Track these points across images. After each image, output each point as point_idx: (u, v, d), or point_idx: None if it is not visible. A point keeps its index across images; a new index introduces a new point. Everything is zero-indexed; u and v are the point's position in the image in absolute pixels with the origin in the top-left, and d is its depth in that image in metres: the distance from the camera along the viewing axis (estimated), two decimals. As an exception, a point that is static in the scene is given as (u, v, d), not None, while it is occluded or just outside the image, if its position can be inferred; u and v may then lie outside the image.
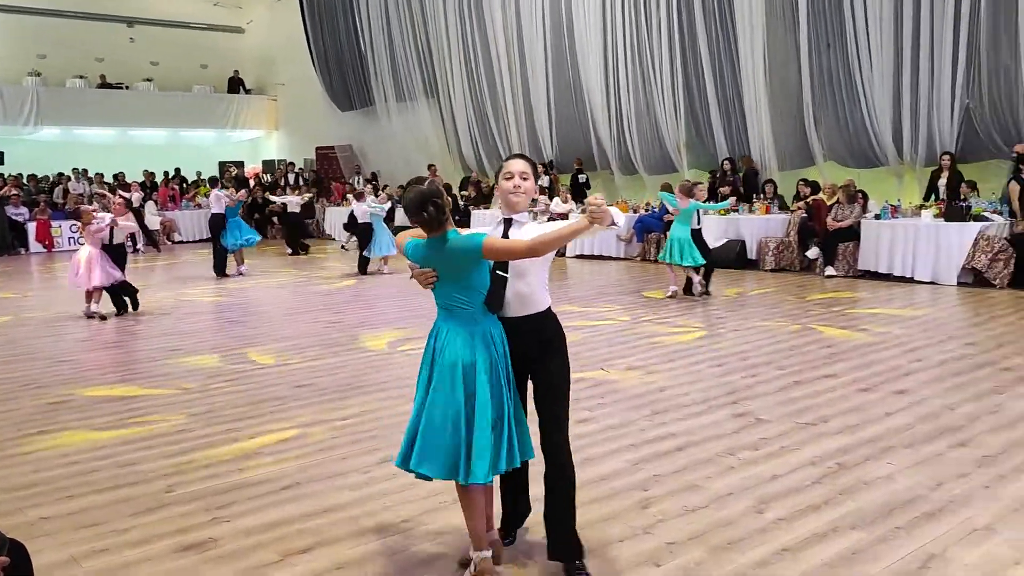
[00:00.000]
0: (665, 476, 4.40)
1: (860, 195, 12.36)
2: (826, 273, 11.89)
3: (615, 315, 9.24)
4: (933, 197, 12.19)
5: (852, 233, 11.83)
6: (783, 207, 13.71)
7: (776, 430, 5.08)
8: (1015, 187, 11.14)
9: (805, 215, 12.77)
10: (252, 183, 20.48)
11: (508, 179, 3.31)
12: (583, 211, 3.14)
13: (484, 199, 18.09)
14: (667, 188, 12.41)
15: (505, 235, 3.28)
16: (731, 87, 15.04)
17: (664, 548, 3.57)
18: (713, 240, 13.18)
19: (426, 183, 3.17)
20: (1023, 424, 5.05)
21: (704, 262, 10.08)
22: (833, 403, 5.62)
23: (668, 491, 4.19)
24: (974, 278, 10.68)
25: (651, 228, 14.33)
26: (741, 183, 14.78)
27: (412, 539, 3.72)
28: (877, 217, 11.88)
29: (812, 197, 12.91)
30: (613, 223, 3.06)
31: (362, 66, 22.42)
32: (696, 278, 10.27)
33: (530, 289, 3.27)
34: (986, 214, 10.99)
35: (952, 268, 10.79)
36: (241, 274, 13.84)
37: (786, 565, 3.39)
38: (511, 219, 3.35)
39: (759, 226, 13.23)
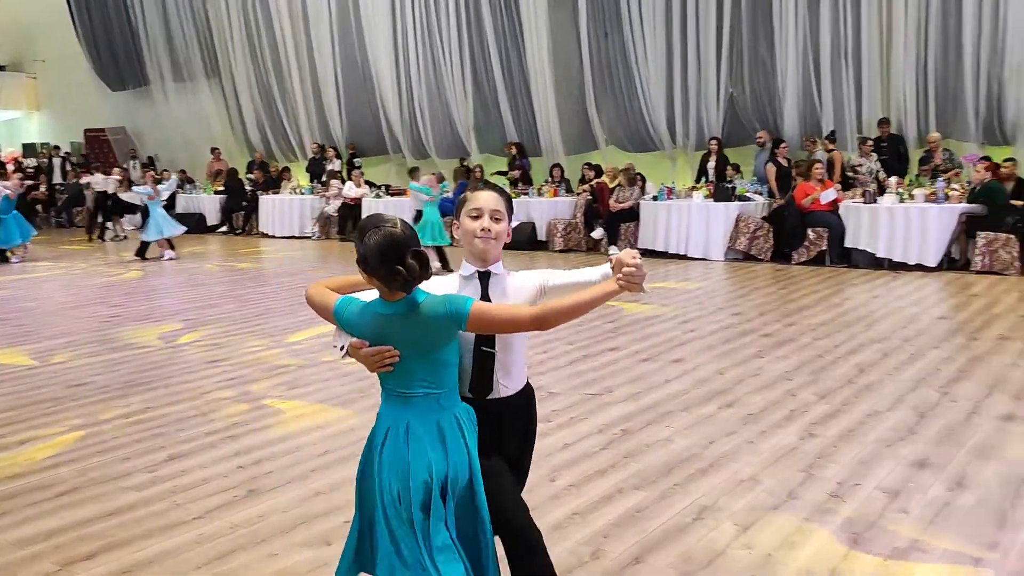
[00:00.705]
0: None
1: (639, 178, 13.12)
2: (610, 252, 12.53)
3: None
4: (703, 179, 13.15)
5: (633, 214, 12.56)
6: (569, 190, 14.27)
7: (566, 402, 5.34)
8: (772, 169, 12.24)
9: (590, 197, 13.37)
10: (11, 168, 18.73)
11: (474, 218, 2.47)
12: (611, 264, 2.39)
13: (273, 183, 17.51)
14: (415, 174, 12.56)
15: (485, 296, 2.48)
16: (518, 72, 15.43)
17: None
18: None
19: (399, 226, 2.27)
20: (780, 384, 5.60)
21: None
22: (617, 374, 5.97)
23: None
24: (744, 254, 11.64)
25: (446, 212, 14.46)
26: (530, 167, 15.23)
27: (204, 536, 3.61)
28: (655, 199, 12.65)
29: (596, 180, 13.54)
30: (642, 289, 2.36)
31: (134, 43, 20.94)
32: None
33: (515, 361, 2.56)
34: (749, 194, 12.01)
35: (720, 245, 11.71)
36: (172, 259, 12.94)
37: (577, 528, 3.59)
38: (488, 273, 2.50)
39: (548, 208, 13.71)
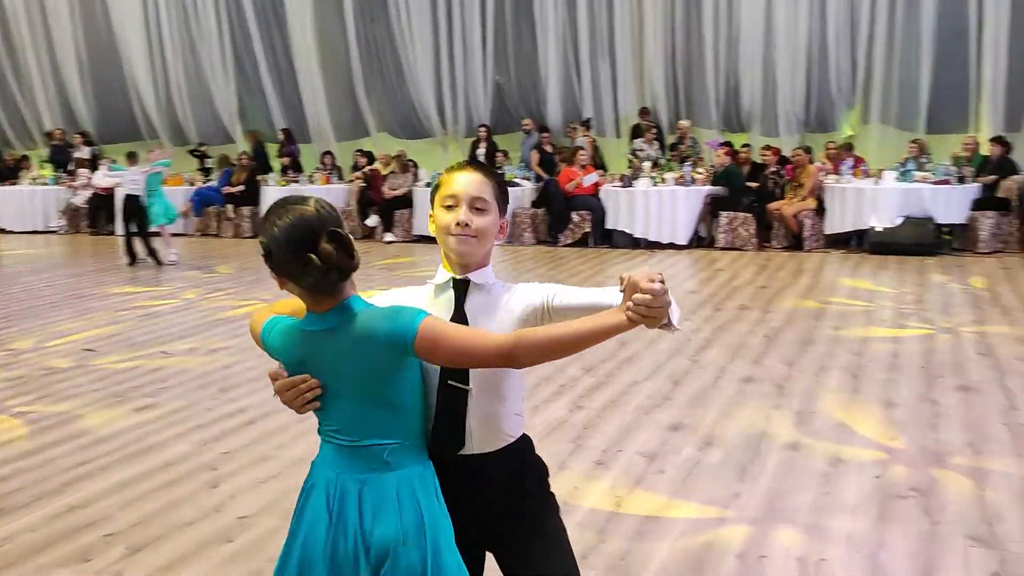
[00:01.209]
0: (236, 451, 4.36)
1: (412, 164, 13.16)
2: (386, 239, 12.50)
3: (180, 293, 8.80)
4: (474, 165, 13.40)
5: (407, 201, 12.58)
6: (341, 177, 14.07)
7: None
8: (535, 155, 12.72)
9: (363, 184, 13.25)
10: None
11: (448, 208, 1.87)
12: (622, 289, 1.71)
13: (10, 174, 15.80)
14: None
15: (459, 312, 1.87)
16: (283, 54, 14.96)
17: (236, 524, 3.56)
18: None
19: (312, 205, 1.75)
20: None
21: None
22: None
23: (239, 466, 4.17)
24: (513, 238, 11.99)
25: (211, 201, 13.82)
26: (299, 153, 14.84)
27: (-59, 566, 3.26)
28: (428, 185, 12.74)
29: (368, 167, 13.44)
30: (669, 323, 1.71)
31: None
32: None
33: (502, 408, 1.89)
34: (517, 180, 12.40)
35: (492, 229, 12.00)
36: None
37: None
38: (465, 282, 1.89)
39: (320, 196, 13.39)
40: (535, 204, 12.07)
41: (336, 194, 13.46)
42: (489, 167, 2.01)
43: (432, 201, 1.93)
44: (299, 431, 4.59)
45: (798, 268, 9.37)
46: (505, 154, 13.24)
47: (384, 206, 12.67)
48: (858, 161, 11.27)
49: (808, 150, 11.10)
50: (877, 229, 10.05)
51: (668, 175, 11.34)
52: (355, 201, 13.22)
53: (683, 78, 13.08)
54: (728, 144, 11.65)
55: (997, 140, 10.56)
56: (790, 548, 3.25)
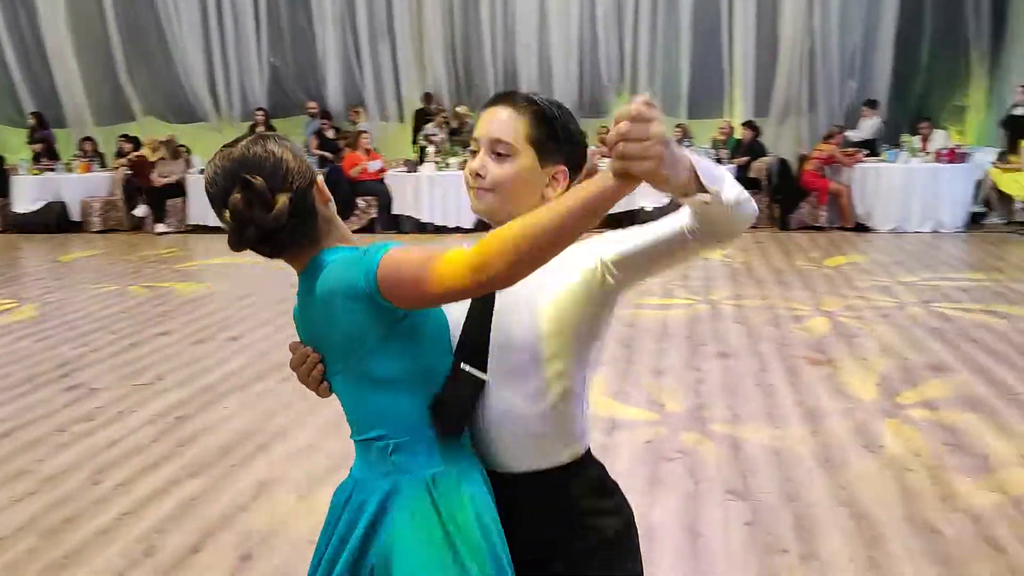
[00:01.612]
0: (-14, 469, 3.98)
1: (183, 150, 12.46)
2: (157, 230, 11.78)
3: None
4: (252, 151, 12.89)
5: (180, 189, 11.91)
6: (104, 165, 13.08)
7: (111, 396, 4.95)
8: (314, 140, 12.42)
9: (129, 172, 12.39)
10: None
11: (473, 154, 1.50)
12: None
13: None
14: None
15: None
16: (29, 33, 13.65)
17: (-11, 547, 3.26)
18: (29, 203, 12.10)
19: (248, 145, 1.44)
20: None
21: None
22: (169, 359, 5.68)
23: (-10, 485, 3.81)
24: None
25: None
26: (54, 139, 13.64)
27: None
28: (202, 172, 12.11)
29: (135, 153, 12.57)
30: (695, 182, 1.23)
31: None
32: None
33: (535, 412, 1.44)
34: (298, 166, 12.07)
35: (274, 217, 11.61)
36: None
37: (128, 528, 3.38)
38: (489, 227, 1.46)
39: (79, 185, 12.42)
40: (318, 190, 11.79)
41: (98, 183, 12.55)
42: (529, 99, 1.46)
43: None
44: (58, 443, 4.26)
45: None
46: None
47: (153, 195, 11.92)
48: (628, 145, 11.89)
49: (583, 134, 11.58)
50: (647, 209, 10.66)
51: (452, 160, 11.44)
52: (120, 190, 12.35)
53: (463, 63, 13.24)
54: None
55: (748, 125, 11.51)
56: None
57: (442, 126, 12.52)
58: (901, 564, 2.99)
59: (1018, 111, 10.13)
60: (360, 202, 11.38)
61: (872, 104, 11.59)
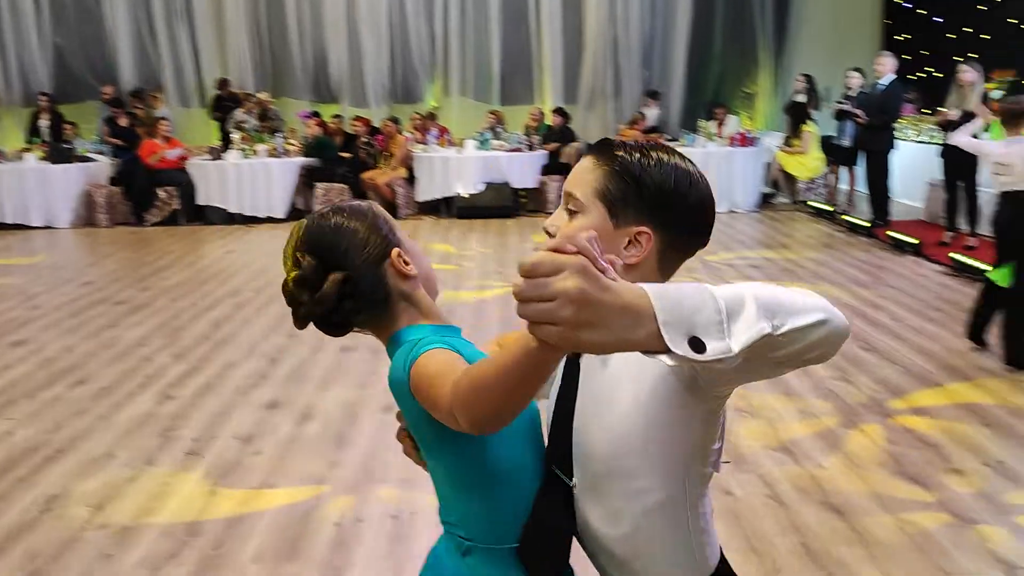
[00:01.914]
0: None
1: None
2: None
3: None
4: (36, 139, 11.91)
5: (-48, 181, 10.81)
6: None
7: None
8: (105, 128, 11.64)
9: None
10: None
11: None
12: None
13: None
14: None
15: (573, 362, 1.28)
16: None
17: None
18: None
19: (315, 217, 1.35)
20: (135, 352, 5.44)
21: None
22: (-59, 369, 5.16)
23: None
24: (90, 219, 10.88)
25: None
26: None
27: None
28: (-21, 162, 11.06)
29: None
30: (662, 338, 0.86)
31: None
32: None
33: (625, 530, 1.22)
34: (91, 155, 11.27)
35: (65, 211, 10.77)
36: None
37: None
38: None
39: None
40: (114, 182, 11.07)
41: None
42: (614, 148, 1.24)
43: None
44: None
45: (393, 235, 9.69)
46: (74, 126, 11.94)
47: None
48: (443, 131, 11.93)
49: (396, 120, 11.49)
50: (463, 195, 10.75)
51: (260, 147, 11.04)
52: None
53: (269, 47, 12.79)
54: (317, 115, 11.64)
55: (558, 111, 11.81)
56: (386, 507, 3.38)
57: (252, 112, 12.06)
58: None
59: (799, 98, 10.95)
60: (160, 193, 10.77)
61: (654, 95, 12.12)
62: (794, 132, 10.85)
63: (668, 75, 12.80)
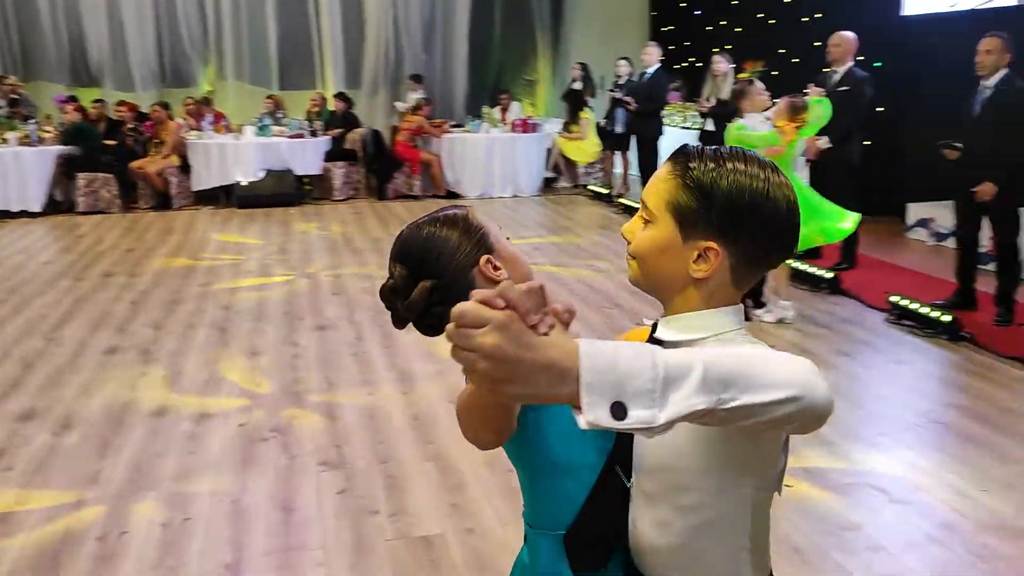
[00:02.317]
0: None
1: None
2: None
3: None
4: None
5: None
6: None
7: None
8: None
9: None
10: None
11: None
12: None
13: None
14: None
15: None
16: None
17: None
18: None
19: (412, 227, 1.38)
20: None
21: None
22: None
23: None
24: None
25: None
26: None
27: None
28: None
29: None
30: (579, 395, 0.84)
31: None
32: None
33: (672, 539, 1.19)
34: None
35: None
36: None
37: None
38: (653, 333, 1.24)
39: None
40: None
41: None
42: (688, 159, 1.18)
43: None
44: None
45: (167, 227, 9.15)
46: None
47: None
48: (218, 117, 11.37)
49: (167, 106, 10.82)
50: (242, 183, 10.31)
51: (10, 135, 10.04)
52: None
53: (17, 26, 11.64)
54: (75, 99, 10.75)
55: (340, 96, 11.58)
56: (154, 516, 3.18)
57: (7, 96, 10.96)
58: (480, 503, 3.24)
59: (576, 86, 11.37)
60: None
61: (417, 79, 12.07)
62: (572, 118, 11.26)
63: (451, 61, 12.89)
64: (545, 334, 0.83)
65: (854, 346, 5.08)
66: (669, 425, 0.85)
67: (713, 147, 1.19)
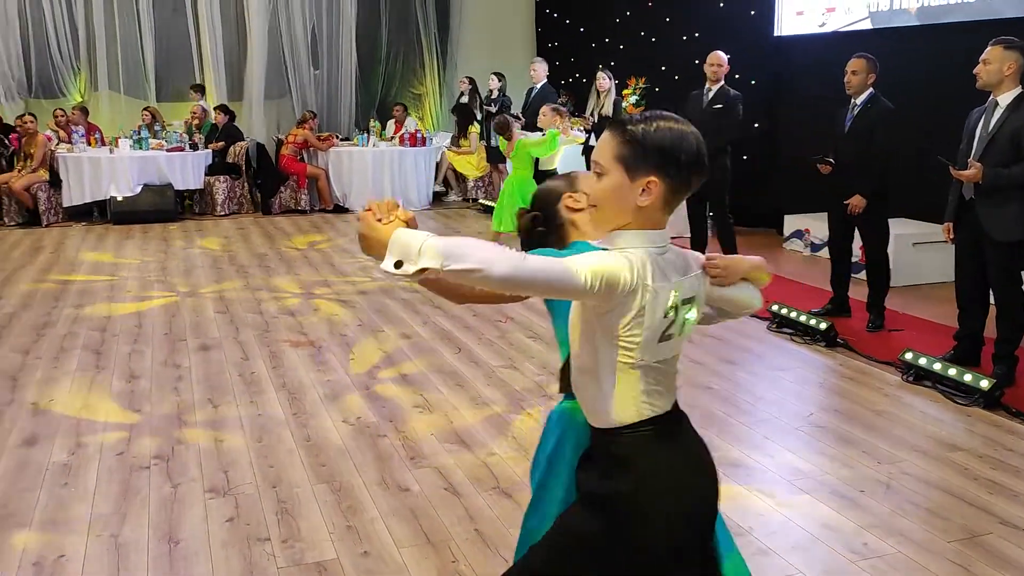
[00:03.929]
0: None
1: None
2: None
3: None
4: None
5: None
6: None
7: None
8: None
9: None
10: None
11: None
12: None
13: None
14: None
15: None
16: None
17: None
18: None
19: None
20: None
21: None
22: None
23: None
24: None
25: None
26: None
27: None
28: None
29: None
30: (385, 257, 1.54)
31: None
32: None
33: (587, 384, 1.73)
34: None
35: None
36: None
37: None
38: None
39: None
40: None
41: None
42: (624, 121, 1.67)
43: None
44: None
45: (35, 246, 8.67)
46: None
47: None
48: (91, 129, 10.87)
49: (35, 118, 10.25)
50: (118, 199, 9.88)
51: None
52: None
53: None
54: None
55: (222, 108, 11.24)
56: (25, 553, 2.98)
57: None
58: (375, 525, 3.17)
59: (463, 99, 11.40)
60: None
61: (198, 88, 11.79)
62: (462, 132, 11.28)
63: (337, 73, 12.71)
64: (387, 223, 1.48)
65: (739, 353, 5.25)
66: (419, 273, 1.44)
67: (638, 114, 1.67)
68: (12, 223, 9.75)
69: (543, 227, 2.04)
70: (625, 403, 1.68)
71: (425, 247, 1.42)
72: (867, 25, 7.66)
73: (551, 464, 1.99)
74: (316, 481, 3.53)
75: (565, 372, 1.93)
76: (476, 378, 4.79)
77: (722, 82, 6.87)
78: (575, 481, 1.82)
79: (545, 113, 7.29)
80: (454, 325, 5.79)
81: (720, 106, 6.73)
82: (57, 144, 10.27)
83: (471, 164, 11.43)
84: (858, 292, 5.88)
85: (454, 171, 11.72)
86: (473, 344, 5.40)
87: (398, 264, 1.44)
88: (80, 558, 2.97)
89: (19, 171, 9.87)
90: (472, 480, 3.56)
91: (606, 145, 1.65)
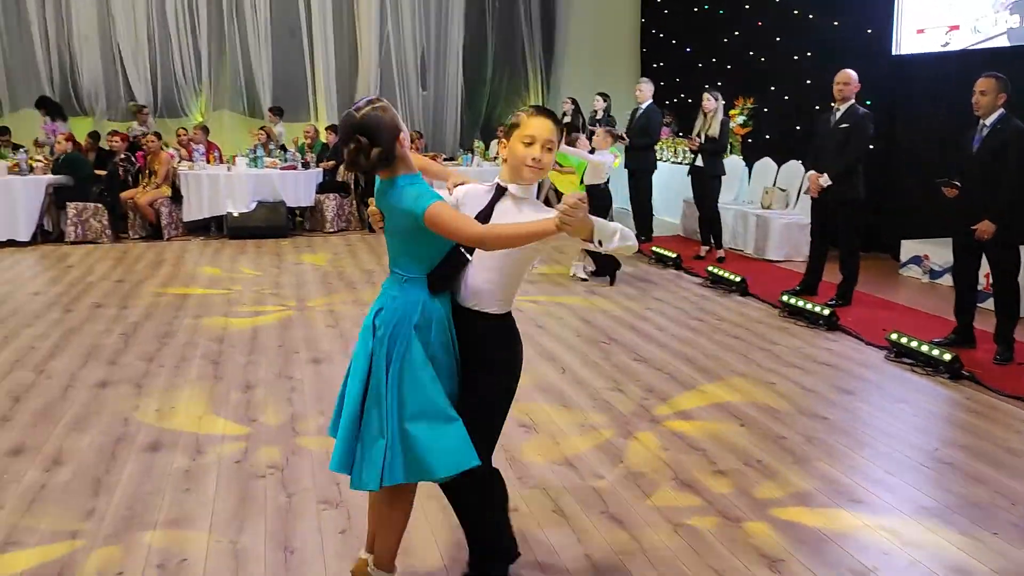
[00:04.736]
0: None
1: None
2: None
3: None
4: None
5: None
6: None
7: None
8: None
9: None
10: None
11: (527, 144, 2.52)
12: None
13: None
14: None
15: (489, 208, 2.57)
16: None
17: None
18: None
19: (365, 110, 2.43)
20: None
21: None
22: None
23: None
24: None
25: None
26: None
27: None
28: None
29: None
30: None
31: None
32: None
33: (490, 287, 2.58)
34: None
35: None
36: None
37: None
38: (506, 189, 2.58)
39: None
40: None
41: None
42: (555, 115, 2.56)
43: (508, 133, 2.56)
44: None
45: (158, 258, 9.08)
46: None
47: None
48: (211, 147, 11.34)
49: (159, 136, 10.78)
50: (234, 214, 10.26)
51: (0, 163, 9.98)
52: None
53: (2, 55, 11.65)
54: (63, 127, 10.71)
55: (333, 129, 11.57)
56: (150, 557, 3.09)
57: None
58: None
59: (566, 119, 11.42)
60: None
61: (278, 111, 12.08)
62: (564, 153, 11.28)
63: (443, 95, 12.93)
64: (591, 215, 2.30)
65: (855, 383, 5.06)
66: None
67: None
68: (136, 236, 10.24)
69: (384, 161, 2.39)
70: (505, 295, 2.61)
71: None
72: (1003, 42, 7.32)
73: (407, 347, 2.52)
74: (426, 497, 3.55)
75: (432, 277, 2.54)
76: (583, 400, 4.75)
77: (851, 100, 6.63)
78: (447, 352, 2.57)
79: (599, 135, 8.35)
80: (557, 345, 5.77)
81: (847, 125, 6.51)
82: (179, 162, 10.75)
83: (573, 184, 11.40)
84: (983, 322, 5.59)
85: (555, 191, 11.72)
86: (579, 365, 5.37)
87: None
88: (201, 562, 3.05)
89: (144, 187, 10.37)
90: (581, 504, 3.51)
91: (555, 130, 2.51)
